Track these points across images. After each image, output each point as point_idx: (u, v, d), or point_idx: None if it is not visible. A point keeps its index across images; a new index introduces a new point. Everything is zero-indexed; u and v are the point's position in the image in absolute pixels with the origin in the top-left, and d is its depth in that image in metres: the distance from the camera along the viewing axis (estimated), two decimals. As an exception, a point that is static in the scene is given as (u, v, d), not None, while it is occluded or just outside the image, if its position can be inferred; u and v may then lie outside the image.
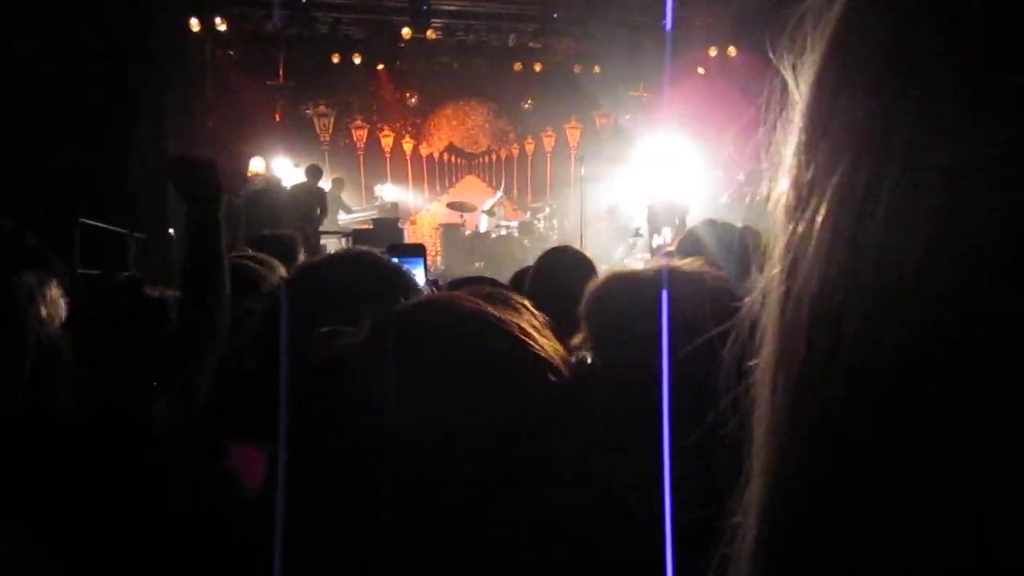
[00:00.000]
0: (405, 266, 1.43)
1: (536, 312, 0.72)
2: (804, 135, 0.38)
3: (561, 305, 2.26)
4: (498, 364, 0.64)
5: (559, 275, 2.35)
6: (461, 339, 0.64)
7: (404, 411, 0.61)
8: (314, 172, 9.91)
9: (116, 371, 1.64)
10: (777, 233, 0.39)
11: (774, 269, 0.39)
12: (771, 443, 0.37)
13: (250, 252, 2.41)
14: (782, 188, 0.40)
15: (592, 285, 1.29)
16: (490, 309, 0.68)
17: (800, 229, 0.37)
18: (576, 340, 1.23)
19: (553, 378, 0.65)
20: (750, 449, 0.39)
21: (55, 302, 1.25)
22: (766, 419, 0.38)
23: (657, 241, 9.78)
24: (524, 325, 0.68)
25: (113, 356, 1.85)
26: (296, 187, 9.71)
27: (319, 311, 0.70)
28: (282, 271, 2.22)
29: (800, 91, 0.39)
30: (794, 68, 0.40)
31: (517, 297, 0.73)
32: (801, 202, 0.37)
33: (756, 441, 0.39)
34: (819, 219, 0.35)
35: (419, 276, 1.63)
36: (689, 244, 2.95)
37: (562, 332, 2.14)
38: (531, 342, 0.66)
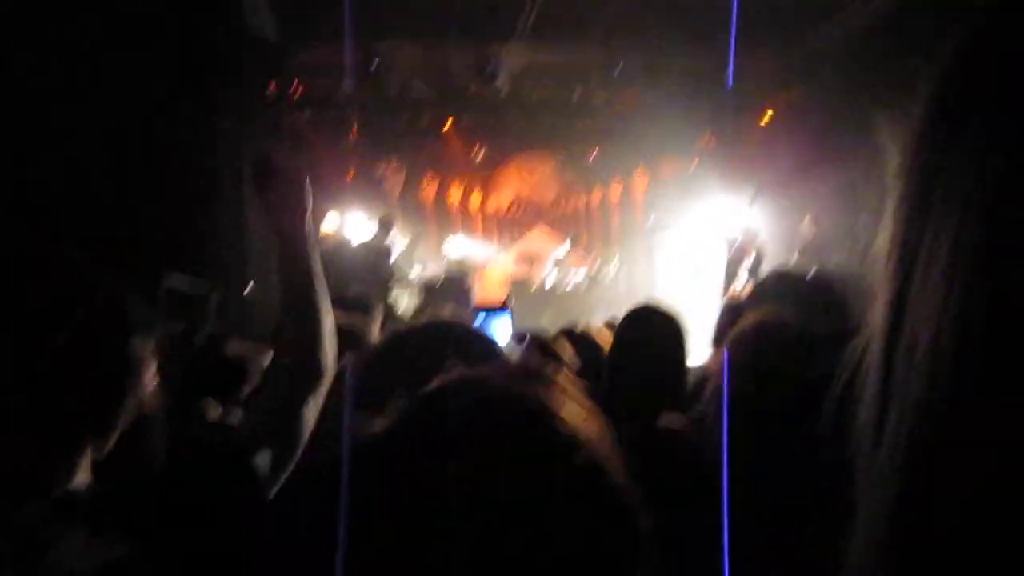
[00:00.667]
0: (493, 321, 1.45)
1: (574, 379, 0.70)
2: (908, 191, 0.38)
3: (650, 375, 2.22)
4: (518, 448, 0.63)
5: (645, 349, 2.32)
6: (483, 425, 0.64)
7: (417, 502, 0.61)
8: (384, 226, 10.04)
9: (204, 426, 1.66)
10: (878, 285, 0.40)
11: (876, 322, 0.39)
12: (876, 502, 0.37)
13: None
14: (881, 242, 0.40)
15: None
16: (515, 387, 0.67)
17: (909, 283, 0.37)
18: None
19: (578, 460, 0.63)
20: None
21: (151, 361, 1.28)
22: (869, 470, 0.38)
23: (733, 289, 9.59)
24: (555, 402, 0.66)
25: (196, 414, 1.89)
26: (363, 245, 9.88)
27: (406, 382, 0.70)
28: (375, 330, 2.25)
29: (897, 148, 0.39)
30: (889, 125, 0.41)
31: (556, 364, 0.72)
32: (907, 256, 0.37)
33: (860, 502, 0.39)
34: (932, 271, 0.35)
35: (506, 330, 1.64)
36: (760, 293, 2.89)
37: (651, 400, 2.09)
38: (558, 423, 0.64)
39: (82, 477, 1.12)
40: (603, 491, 0.63)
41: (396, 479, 0.63)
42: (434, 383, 0.69)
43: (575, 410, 0.66)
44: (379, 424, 0.68)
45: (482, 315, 1.59)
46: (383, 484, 0.63)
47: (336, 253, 9.54)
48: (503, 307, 1.51)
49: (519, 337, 1.59)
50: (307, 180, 1.49)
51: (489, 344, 1.19)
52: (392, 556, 0.61)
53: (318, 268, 1.44)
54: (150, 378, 1.21)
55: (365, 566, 0.61)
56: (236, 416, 2.04)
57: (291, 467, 1.33)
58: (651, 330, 2.37)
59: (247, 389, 2.18)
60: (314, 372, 1.40)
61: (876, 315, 0.39)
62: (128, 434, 1.18)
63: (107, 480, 1.15)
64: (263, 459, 1.30)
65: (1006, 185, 0.32)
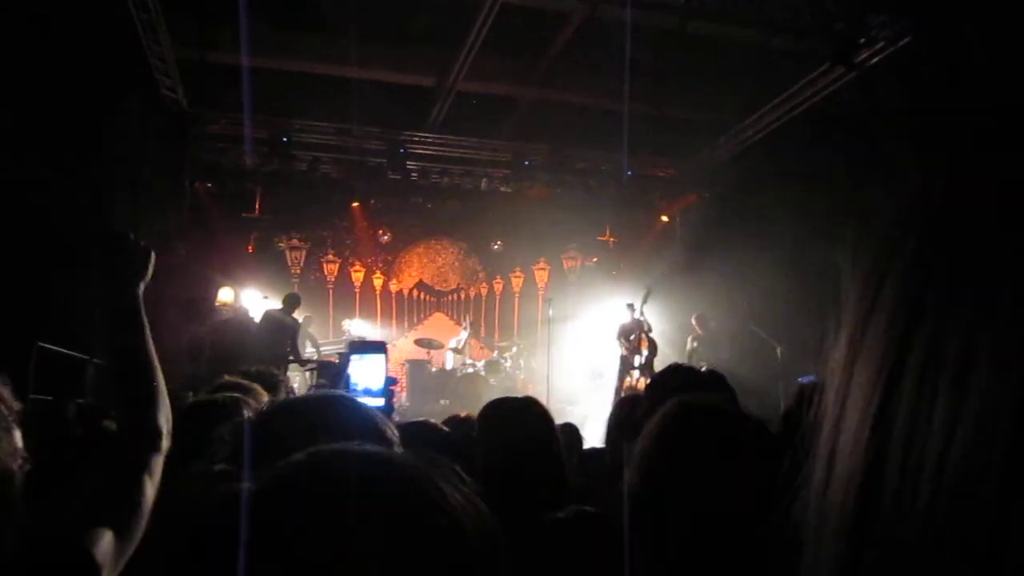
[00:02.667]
0: (367, 360, 1.47)
1: (464, 476, 0.72)
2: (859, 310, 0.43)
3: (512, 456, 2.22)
4: (403, 516, 0.64)
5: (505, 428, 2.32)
6: (368, 489, 0.64)
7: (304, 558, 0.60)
8: (290, 302, 9.81)
9: (68, 503, 1.55)
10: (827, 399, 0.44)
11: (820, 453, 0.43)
12: None
13: (236, 380, 2.37)
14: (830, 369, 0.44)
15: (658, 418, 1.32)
16: (406, 460, 0.68)
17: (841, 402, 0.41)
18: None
19: (461, 530, 0.64)
20: None
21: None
22: None
23: (628, 381, 9.84)
24: (441, 483, 0.67)
25: (67, 489, 1.76)
26: (266, 317, 9.62)
27: (292, 451, 0.70)
28: (265, 399, 2.19)
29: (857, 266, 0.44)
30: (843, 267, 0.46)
31: (446, 461, 0.73)
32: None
33: None
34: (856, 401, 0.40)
35: (379, 372, 1.65)
36: (658, 384, 2.98)
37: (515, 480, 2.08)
38: (446, 495, 0.66)
39: None
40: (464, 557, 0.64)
41: (273, 530, 0.62)
42: (318, 449, 0.69)
43: (461, 493, 0.67)
44: (259, 477, 0.67)
45: (356, 356, 1.60)
46: (261, 532, 0.62)
47: (230, 324, 9.25)
48: (378, 349, 1.49)
49: (392, 380, 1.61)
50: (150, 255, 1.56)
51: (380, 423, 1.19)
52: None
53: (148, 337, 1.49)
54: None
55: None
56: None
57: (132, 548, 1.26)
58: (508, 408, 2.40)
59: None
60: (148, 436, 1.40)
61: (823, 421, 0.44)
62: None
63: None
64: (104, 545, 1.20)
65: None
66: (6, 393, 1.06)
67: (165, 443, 1.42)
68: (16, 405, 1.14)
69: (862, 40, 8.27)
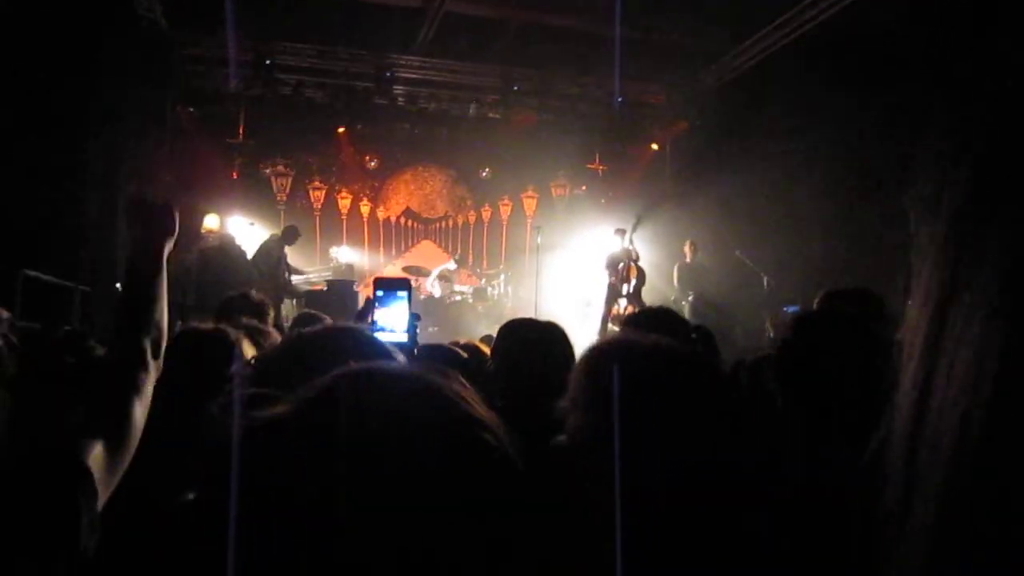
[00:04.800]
0: (393, 300, 1.48)
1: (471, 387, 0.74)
2: (939, 270, 0.40)
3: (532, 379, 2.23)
4: (443, 428, 0.65)
5: (527, 350, 2.33)
6: (403, 404, 0.66)
7: (340, 478, 0.61)
8: (287, 234, 9.97)
9: (55, 420, 1.58)
10: (911, 337, 0.41)
11: (903, 402, 0.40)
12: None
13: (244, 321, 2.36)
14: (910, 319, 0.41)
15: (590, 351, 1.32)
16: (432, 376, 0.70)
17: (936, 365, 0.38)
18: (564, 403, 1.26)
19: (492, 441, 0.67)
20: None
21: None
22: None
23: (615, 310, 9.90)
24: (467, 396, 0.70)
25: (56, 414, 1.79)
26: (262, 250, 9.74)
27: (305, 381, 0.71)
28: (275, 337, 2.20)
29: (928, 226, 0.41)
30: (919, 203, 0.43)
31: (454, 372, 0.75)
32: (933, 339, 0.39)
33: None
34: (959, 358, 0.37)
35: (404, 310, 1.66)
36: (642, 321, 3.01)
37: (533, 403, 2.11)
38: (473, 407, 0.68)
39: None
40: (497, 463, 0.66)
41: (318, 447, 0.63)
42: (345, 368, 0.70)
43: (475, 399, 0.69)
44: (294, 398, 0.68)
45: (380, 292, 1.62)
46: (301, 452, 0.63)
47: (218, 251, 9.23)
48: (402, 286, 1.50)
49: (415, 316, 1.63)
50: (175, 217, 1.58)
51: (387, 352, 1.22)
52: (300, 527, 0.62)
53: (162, 286, 1.53)
54: None
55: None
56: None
57: (125, 464, 1.28)
58: (532, 328, 2.42)
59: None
60: (133, 354, 1.42)
61: (902, 394, 0.40)
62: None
63: None
64: (94, 451, 1.22)
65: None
66: None
67: (152, 364, 1.44)
68: None
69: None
